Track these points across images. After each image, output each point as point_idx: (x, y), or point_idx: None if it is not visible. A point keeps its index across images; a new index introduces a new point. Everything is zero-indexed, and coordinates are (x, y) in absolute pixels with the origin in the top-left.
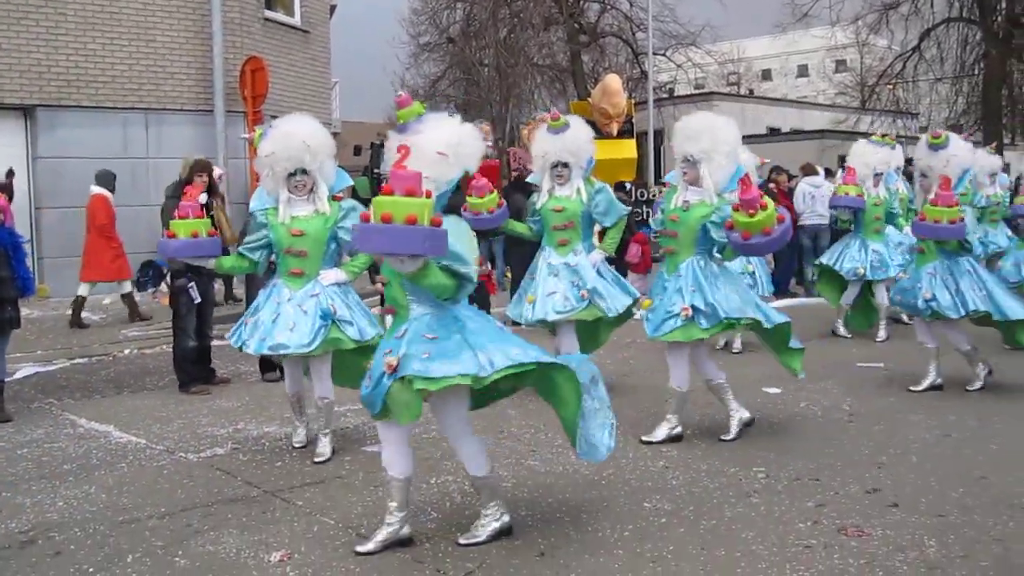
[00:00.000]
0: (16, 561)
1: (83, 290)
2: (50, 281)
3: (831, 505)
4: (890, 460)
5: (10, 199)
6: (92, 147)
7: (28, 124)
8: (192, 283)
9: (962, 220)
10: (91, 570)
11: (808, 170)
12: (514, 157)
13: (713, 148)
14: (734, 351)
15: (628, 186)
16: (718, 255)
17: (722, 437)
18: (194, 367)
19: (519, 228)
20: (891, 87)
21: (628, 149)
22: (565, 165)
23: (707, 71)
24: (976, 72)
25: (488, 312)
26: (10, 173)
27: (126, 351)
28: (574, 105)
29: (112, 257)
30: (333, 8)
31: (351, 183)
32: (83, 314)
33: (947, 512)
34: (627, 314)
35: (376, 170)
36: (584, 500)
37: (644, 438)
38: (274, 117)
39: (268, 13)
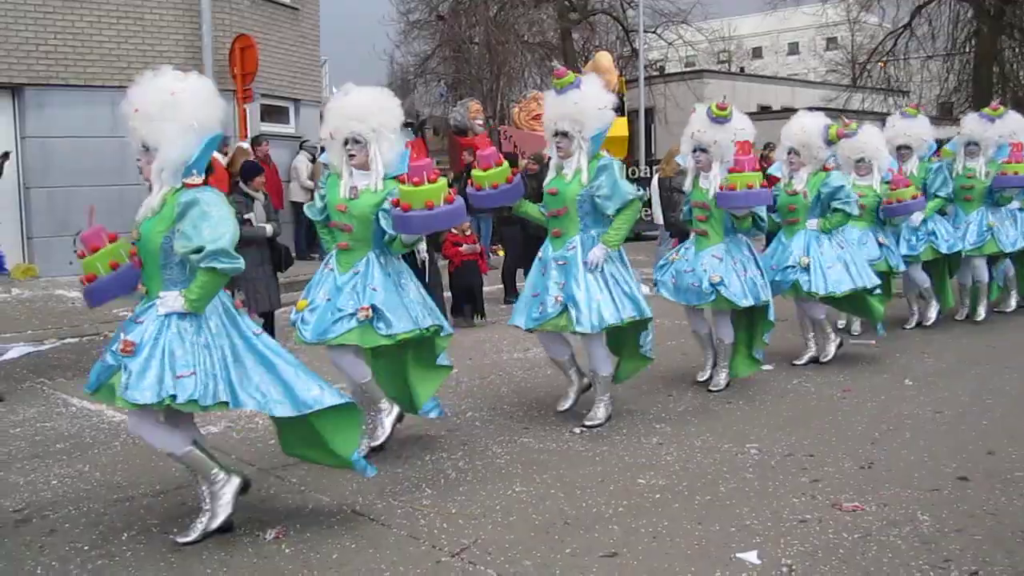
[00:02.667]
0: (11, 539)
1: None
2: (40, 260)
3: (825, 480)
4: (883, 436)
5: None
6: (81, 126)
7: (16, 103)
8: None
9: (763, 186)
10: (86, 548)
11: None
12: (504, 135)
13: (383, 125)
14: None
15: None
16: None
17: (372, 444)
18: None
19: (532, 211)
20: (882, 65)
21: (619, 127)
22: (565, 135)
23: (698, 49)
24: (967, 49)
25: (481, 292)
26: (4, 155)
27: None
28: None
29: None
30: None
31: (204, 158)
32: (73, 294)
33: (941, 487)
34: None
35: None
36: (578, 476)
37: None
38: (264, 95)
39: None
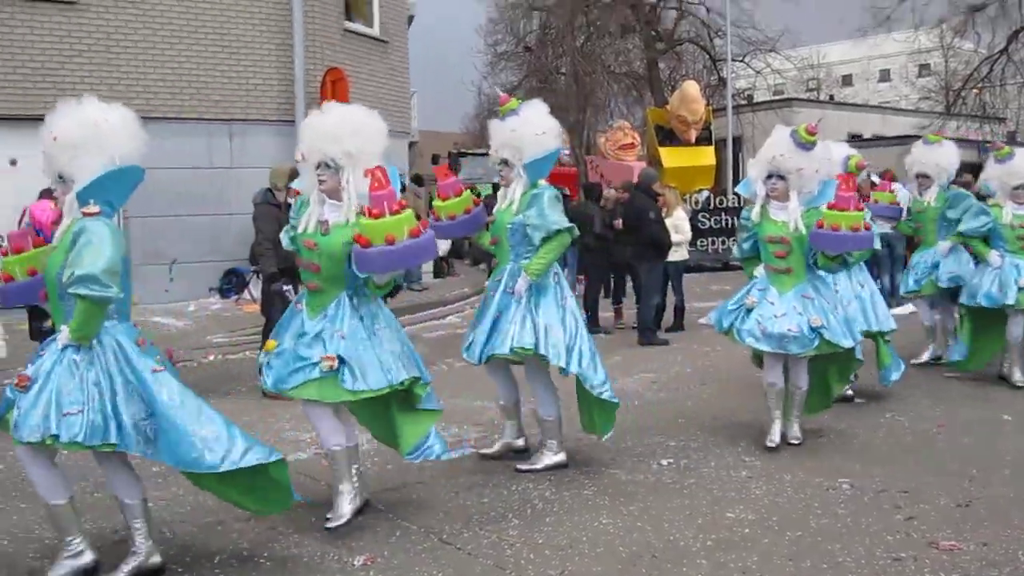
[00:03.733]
0: (108, 559)
1: None
2: (138, 289)
3: (921, 518)
4: (981, 472)
5: None
6: (178, 158)
7: None
8: (290, 286)
9: (867, 228)
10: (180, 570)
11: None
12: (592, 165)
13: (361, 149)
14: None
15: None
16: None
17: (328, 524)
18: None
19: (484, 241)
20: (977, 91)
21: (707, 156)
22: (505, 163)
23: (786, 76)
24: None
25: None
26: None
27: (211, 357)
28: (651, 112)
29: None
30: (411, 18)
31: (110, 189)
32: (168, 320)
33: None
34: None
35: None
36: (666, 509)
37: (329, 525)
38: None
39: (348, 24)
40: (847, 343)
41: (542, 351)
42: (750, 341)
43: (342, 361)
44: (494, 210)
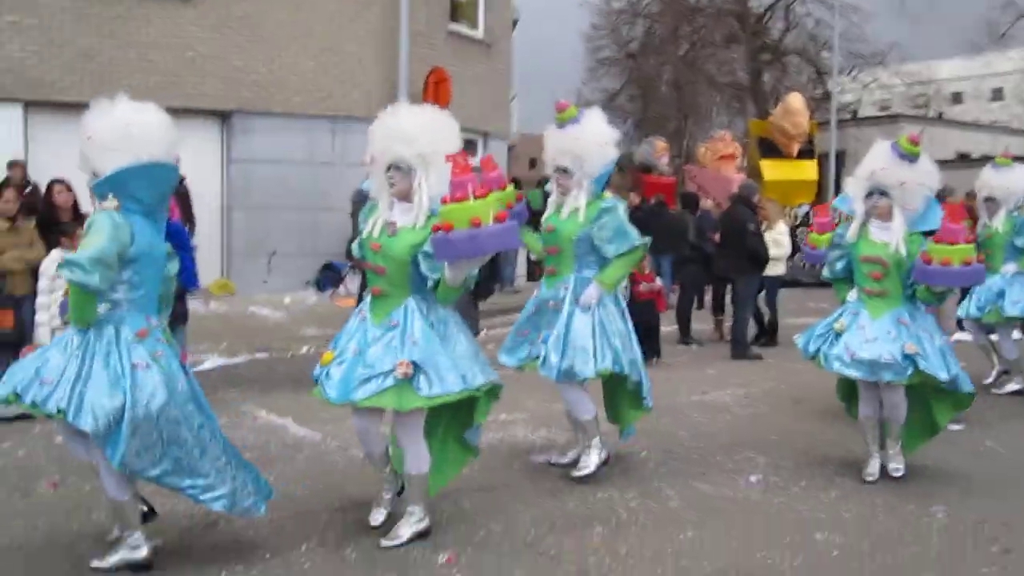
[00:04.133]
0: (198, 544)
1: None
2: (236, 278)
3: (1019, 551)
4: None
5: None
6: (281, 152)
7: (224, 128)
8: None
9: (980, 261)
10: (267, 555)
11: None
12: (689, 175)
13: (434, 151)
14: None
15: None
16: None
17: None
18: None
19: (532, 243)
20: None
21: (809, 171)
22: (565, 171)
23: (894, 92)
24: None
25: (658, 333)
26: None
27: (304, 349)
28: (753, 123)
29: None
30: (515, 22)
31: (132, 183)
32: (264, 311)
33: None
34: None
35: None
36: (753, 526)
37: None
38: None
39: (453, 26)
40: (943, 375)
41: (626, 371)
42: (838, 367)
43: (416, 366)
44: (545, 218)
